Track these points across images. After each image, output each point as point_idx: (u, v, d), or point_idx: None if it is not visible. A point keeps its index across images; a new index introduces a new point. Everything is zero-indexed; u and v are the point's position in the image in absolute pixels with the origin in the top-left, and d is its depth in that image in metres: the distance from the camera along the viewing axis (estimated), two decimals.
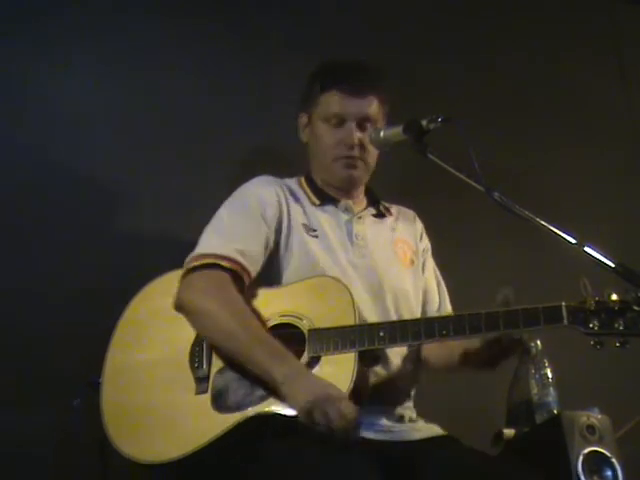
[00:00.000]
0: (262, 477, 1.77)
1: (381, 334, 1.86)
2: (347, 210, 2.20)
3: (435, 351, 2.14)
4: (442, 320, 1.90)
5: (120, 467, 1.91)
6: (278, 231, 2.09)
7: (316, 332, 1.88)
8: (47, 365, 2.44)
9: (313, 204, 2.19)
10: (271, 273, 2.06)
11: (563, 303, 1.76)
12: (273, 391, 1.80)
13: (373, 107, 2.19)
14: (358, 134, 2.16)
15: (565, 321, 1.75)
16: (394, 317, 2.07)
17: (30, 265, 2.57)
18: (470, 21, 3.40)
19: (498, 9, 3.46)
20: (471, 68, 3.33)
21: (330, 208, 2.19)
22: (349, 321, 1.88)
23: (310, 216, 2.15)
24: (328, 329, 1.87)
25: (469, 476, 1.83)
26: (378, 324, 1.91)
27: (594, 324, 1.73)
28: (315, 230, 2.12)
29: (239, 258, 1.98)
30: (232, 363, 1.88)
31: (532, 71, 3.44)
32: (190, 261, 1.99)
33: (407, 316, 2.10)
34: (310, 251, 2.06)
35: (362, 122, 2.17)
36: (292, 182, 2.26)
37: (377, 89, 2.22)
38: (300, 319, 1.91)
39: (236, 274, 1.98)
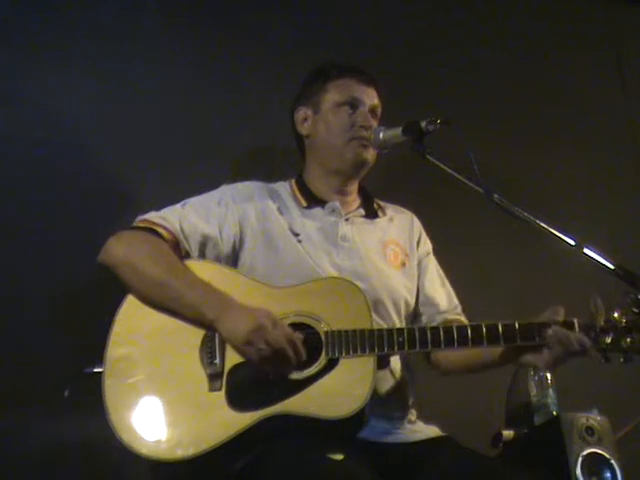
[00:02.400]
0: (263, 477, 1.76)
1: (400, 339, 1.87)
2: (334, 212, 2.19)
3: (454, 354, 2.12)
4: (461, 329, 1.90)
5: (121, 462, 1.91)
6: (238, 240, 2.10)
7: (333, 334, 1.87)
8: (38, 357, 2.43)
9: (300, 206, 2.19)
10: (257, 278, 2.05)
11: (576, 319, 1.83)
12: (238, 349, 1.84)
13: (378, 99, 2.25)
14: (371, 120, 2.20)
15: None
16: (378, 320, 2.05)
17: (29, 263, 2.57)
18: (469, 22, 3.39)
19: (497, 10, 3.45)
20: (470, 68, 3.33)
21: (317, 210, 2.19)
22: (365, 324, 1.88)
23: (294, 221, 2.15)
24: (346, 332, 1.87)
25: (468, 477, 1.83)
26: (398, 329, 1.92)
27: (604, 341, 1.80)
28: (298, 234, 2.12)
29: (177, 234, 2.03)
30: (247, 362, 1.86)
31: (531, 72, 3.43)
32: (133, 222, 2.06)
33: (394, 318, 2.10)
34: (298, 254, 2.07)
35: (372, 111, 2.22)
36: (283, 185, 2.27)
37: (378, 85, 2.27)
38: (316, 320, 1.90)
39: (168, 243, 2.02)
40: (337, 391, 1.81)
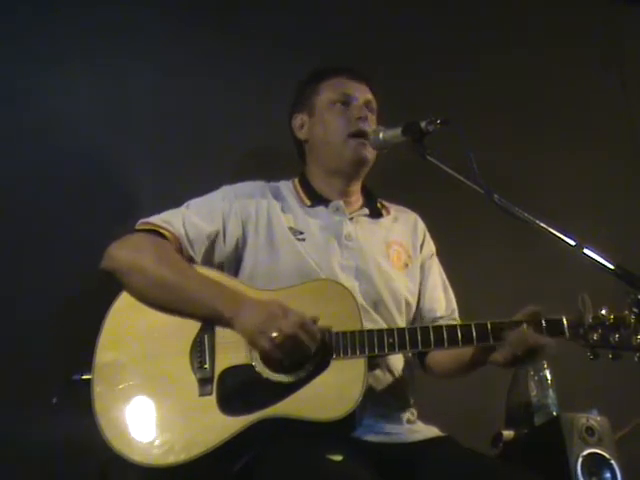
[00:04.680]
0: (261, 479, 1.75)
1: (390, 340, 1.86)
2: (338, 211, 2.19)
3: (442, 357, 2.13)
4: (451, 328, 1.90)
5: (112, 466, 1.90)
6: (242, 239, 2.10)
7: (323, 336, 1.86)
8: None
9: (304, 205, 2.19)
10: (259, 278, 2.05)
11: (564, 317, 1.84)
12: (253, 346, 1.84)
13: (371, 94, 2.27)
14: (366, 112, 2.21)
15: (566, 334, 1.84)
16: (379, 320, 2.06)
17: (30, 263, 2.56)
18: (470, 23, 3.39)
19: (498, 11, 3.45)
20: (470, 68, 3.33)
21: (320, 209, 2.19)
22: (355, 326, 1.88)
23: (298, 219, 2.15)
24: (337, 333, 1.86)
25: (468, 477, 1.83)
26: (388, 330, 1.91)
27: (592, 338, 1.81)
28: (302, 233, 2.12)
29: (181, 238, 2.02)
30: (237, 365, 1.86)
31: (532, 73, 3.43)
32: (136, 226, 2.05)
33: (396, 318, 2.10)
34: (297, 254, 2.06)
35: (366, 105, 2.24)
36: (285, 185, 2.27)
37: (371, 83, 2.29)
38: None
39: (173, 246, 2.02)
40: (328, 393, 1.81)
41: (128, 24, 2.89)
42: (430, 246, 2.31)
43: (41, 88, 2.74)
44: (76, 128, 2.75)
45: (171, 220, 2.05)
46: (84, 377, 1.90)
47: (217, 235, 2.08)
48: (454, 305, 2.27)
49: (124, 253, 1.98)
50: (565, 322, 1.83)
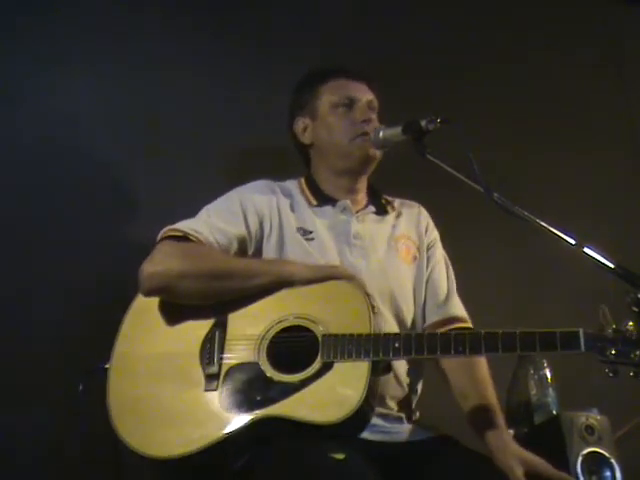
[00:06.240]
0: (261, 477, 1.75)
1: (396, 345, 1.83)
2: (345, 210, 2.19)
3: (458, 382, 2.11)
4: (459, 336, 1.84)
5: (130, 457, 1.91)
6: (259, 238, 2.10)
7: (330, 338, 1.85)
8: (49, 354, 2.45)
9: (310, 205, 2.19)
10: None
11: (581, 329, 1.71)
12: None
13: (372, 93, 2.26)
14: (370, 114, 2.21)
15: (582, 348, 1.70)
16: (391, 319, 2.06)
17: (30, 263, 2.58)
18: (470, 23, 3.39)
19: (498, 11, 3.46)
20: (470, 68, 3.33)
21: (327, 209, 2.20)
22: (364, 328, 1.85)
23: (306, 219, 2.15)
24: (343, 336, 1.84)
25: (469, 477, 1.83)
26: (394, 335, 1.89)
27: (611, 353, 1.68)
28: (311, 232, 2.12)
29: (210, 239, 2.02)
30: (244, 363, 1.88)
31: (531, 73, 3.43)
32: (159, 236, 2.04)
33: (406, 313, 2.10)
34: (307, 254, 2.07)
35: (368, 105, 2.23)
36: (292, 184, 2.26)
37: (371, 81, 2.28)
38: (315, 323, 1.89)
39: None
40: (328, 396, 1.80)
41: (128, 24, 2.89)
42: (433, 233, 2.30)
43: (41, 88, 2.74)
44: (76, 128, 2.75)
45: (198, 228, 2.03)
46: (107, 366, 1.95)
47: (244, 238, 2.08)
48: (454, 293, 2.23)
49: (169, 267, 1.96)
50: (582, 335, 1.70)
